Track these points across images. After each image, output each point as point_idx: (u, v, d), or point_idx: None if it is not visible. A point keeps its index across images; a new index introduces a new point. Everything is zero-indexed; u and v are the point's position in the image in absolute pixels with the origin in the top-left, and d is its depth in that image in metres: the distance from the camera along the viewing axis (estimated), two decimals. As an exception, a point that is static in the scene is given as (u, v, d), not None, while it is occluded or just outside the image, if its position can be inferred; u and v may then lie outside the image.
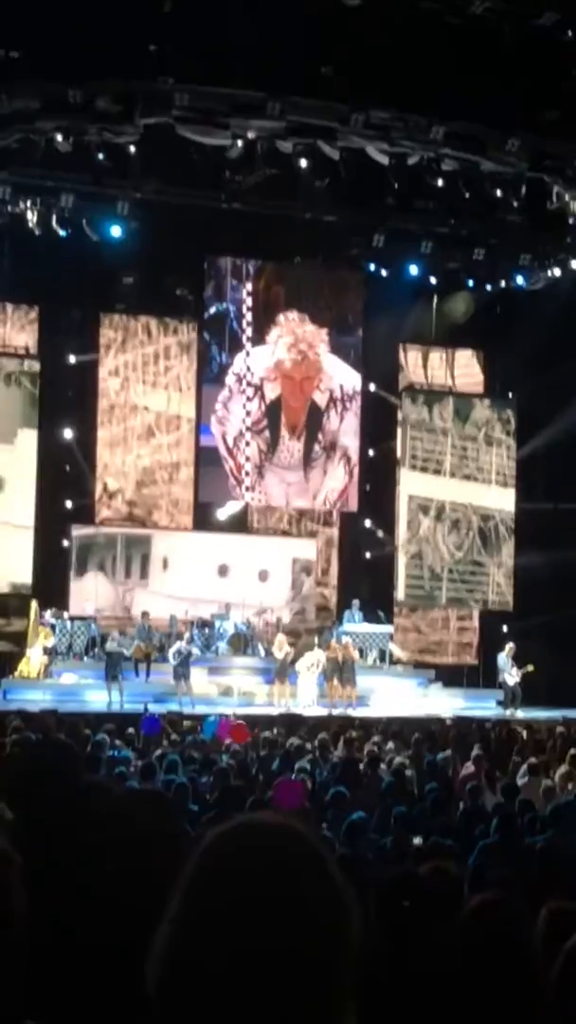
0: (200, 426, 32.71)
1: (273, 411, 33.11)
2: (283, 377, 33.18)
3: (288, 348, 33.12)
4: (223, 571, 32.66)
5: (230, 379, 32.85)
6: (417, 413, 34.12)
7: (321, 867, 1.76)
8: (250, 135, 24.87)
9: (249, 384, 32.87)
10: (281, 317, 33.11)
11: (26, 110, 23.04)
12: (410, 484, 33.90)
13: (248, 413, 32.92)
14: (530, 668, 28.94)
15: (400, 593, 33.78)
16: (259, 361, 32.98)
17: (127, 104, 23.10)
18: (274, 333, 33.09)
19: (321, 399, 33.55)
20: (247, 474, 32.83)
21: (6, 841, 2.16)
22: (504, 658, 29.44)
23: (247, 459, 32.86)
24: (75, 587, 31.42)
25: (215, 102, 23.61)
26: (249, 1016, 1.66)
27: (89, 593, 31.41)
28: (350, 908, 1.76)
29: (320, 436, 33.49)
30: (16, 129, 23.93)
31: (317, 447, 33.45)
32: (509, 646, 29.71)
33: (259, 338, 33.02)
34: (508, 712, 27.91)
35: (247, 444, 32.85)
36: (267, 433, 33.03)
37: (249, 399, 32.89)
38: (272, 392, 33.11)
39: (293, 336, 33.18)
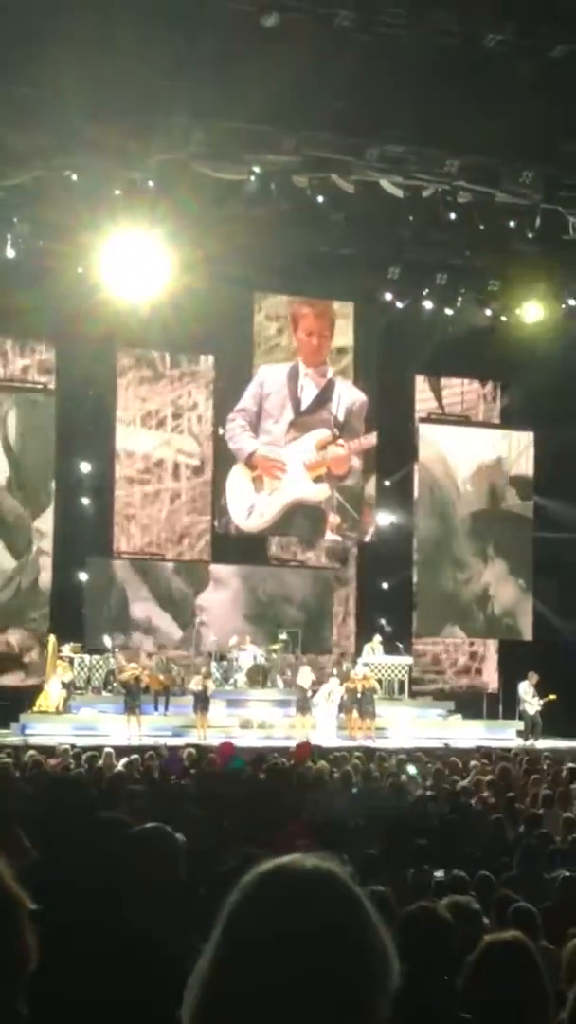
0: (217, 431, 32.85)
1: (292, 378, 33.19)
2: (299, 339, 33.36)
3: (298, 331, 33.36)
4: (241, 603, 32.64)
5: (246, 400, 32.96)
6: (433, 445, 34.15)
7: (358, 910, 1.77)
8: (266, 169, 24.96)
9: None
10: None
11: (42, 147, 23.16)
12: (424, 517, 33.88)
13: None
14: (551, 697, 28.86)
15: (418, 624, 33.74)
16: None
17: (142, 140, 23.20)
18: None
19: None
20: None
21: (18, 885, 2.16)
22: (526, 687, 29.36)
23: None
24: (94, 619, 31.43)
25: (229, 137, 23.72)
26: None
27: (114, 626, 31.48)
28: (388, 951, 1.77)
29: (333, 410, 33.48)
30: (33, 166, 24.07)
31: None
32: (531, 675, 29.63)
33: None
34: (528, 742, 27.80)
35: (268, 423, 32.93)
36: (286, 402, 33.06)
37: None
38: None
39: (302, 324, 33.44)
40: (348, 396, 33.35)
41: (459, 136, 23.91)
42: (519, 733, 29.25)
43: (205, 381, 33.21)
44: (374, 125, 23.67)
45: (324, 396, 33.19)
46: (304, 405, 32.98)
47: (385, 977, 1.74)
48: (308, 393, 33.09)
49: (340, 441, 32.84)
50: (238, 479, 32.51)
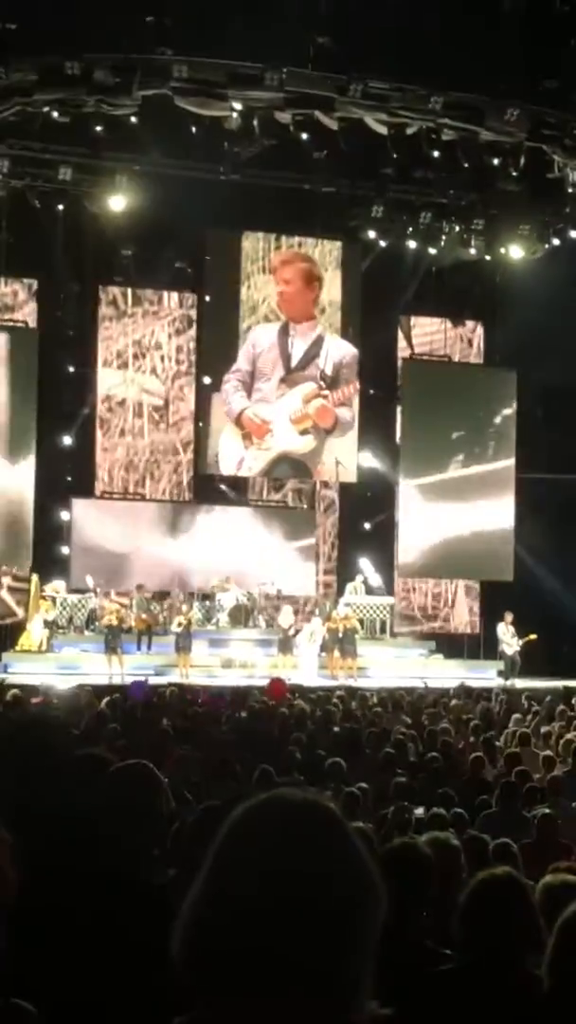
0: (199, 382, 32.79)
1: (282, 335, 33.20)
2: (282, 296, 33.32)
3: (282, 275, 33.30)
4: (223, 543, 32.60)
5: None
6: (416, 384, 34.07)
7: (347, 840, 1.79)
8: (249, 106, 24.75)
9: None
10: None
11: (23, 83, 22.92)
12: (408, 457, 33.84)
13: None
14: (532, 637, 29.00)
15: (400, 564, 33.77)
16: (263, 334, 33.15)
17: (125, 75, 22.98)
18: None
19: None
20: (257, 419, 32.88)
21: None
22: (503, 628, 29.48)
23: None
24: (77, 559, 31.34)
25: (213, 72, 23.51)
26: (274, 983, 1.68)
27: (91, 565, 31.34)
28: (375, 882, 1.78)
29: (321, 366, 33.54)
30: (14, 102, 23.84)
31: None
32: (507, 615, 29.73)
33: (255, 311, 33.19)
34: (508, 682, 27.92)
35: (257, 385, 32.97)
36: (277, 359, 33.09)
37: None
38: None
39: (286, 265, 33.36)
40: (337, 351, 33.29)
41: (443, 72, 23.76)
42: (499, 673, 29.38)
43: (170, 319, 32.98)
44: (358, 61, 23.51)
45: (312, 351, 33.14)
46: (294, 362, 32.94)
47: (375, 905, 1.76)
48: (298, 349, 33.05)
49: (324, 393, 32.80)
50: (228, 434, 32.50)
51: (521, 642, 28.97)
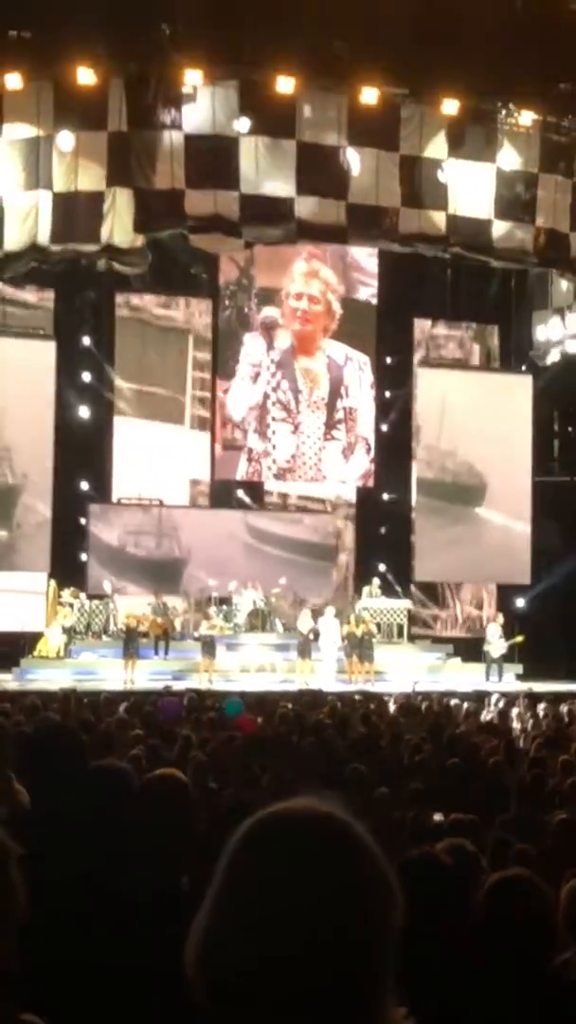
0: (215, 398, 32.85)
1: (290, 370, 33.35)
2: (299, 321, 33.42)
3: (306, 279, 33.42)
4: (240, 548, 32.62)
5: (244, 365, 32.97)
6: (432, 387, 34.04)
7: (362, 854, 1.75)
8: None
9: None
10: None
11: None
12: (423, 459, 33.85)
13: (270, 383, 33.24)
14: (518, 639, 29.21)
15: (417, 567, 33.75)
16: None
17: (140, 89, 23.07)
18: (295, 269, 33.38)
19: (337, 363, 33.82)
20: (269, 453, 33.02)
21: (4, 831, 2.12)
22: (493, 628, 29.70)
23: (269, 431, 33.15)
24: (95, 564, 31.38)
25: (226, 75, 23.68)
26: (289, 1000, 1.66)
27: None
28: (392, 894, 1.75)
29: (339, 407, 33.64)
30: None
31: (337, 423, 33.64)
32: (498, 616, 30.16)
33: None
34: (491, 681, 28.06)
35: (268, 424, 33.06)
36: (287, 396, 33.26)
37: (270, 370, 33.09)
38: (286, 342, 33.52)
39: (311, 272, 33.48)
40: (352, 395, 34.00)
41: (458, 76, 23.84)
42: (518, 676, 29.32)
43: (204, 328, 33.01)
44: (368, 64, 23.56)
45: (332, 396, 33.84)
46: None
47: (389, 923, 1.73)
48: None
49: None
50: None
51: (507, 644, 29.13)
